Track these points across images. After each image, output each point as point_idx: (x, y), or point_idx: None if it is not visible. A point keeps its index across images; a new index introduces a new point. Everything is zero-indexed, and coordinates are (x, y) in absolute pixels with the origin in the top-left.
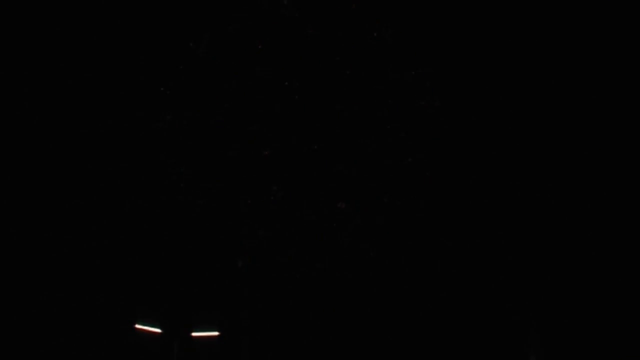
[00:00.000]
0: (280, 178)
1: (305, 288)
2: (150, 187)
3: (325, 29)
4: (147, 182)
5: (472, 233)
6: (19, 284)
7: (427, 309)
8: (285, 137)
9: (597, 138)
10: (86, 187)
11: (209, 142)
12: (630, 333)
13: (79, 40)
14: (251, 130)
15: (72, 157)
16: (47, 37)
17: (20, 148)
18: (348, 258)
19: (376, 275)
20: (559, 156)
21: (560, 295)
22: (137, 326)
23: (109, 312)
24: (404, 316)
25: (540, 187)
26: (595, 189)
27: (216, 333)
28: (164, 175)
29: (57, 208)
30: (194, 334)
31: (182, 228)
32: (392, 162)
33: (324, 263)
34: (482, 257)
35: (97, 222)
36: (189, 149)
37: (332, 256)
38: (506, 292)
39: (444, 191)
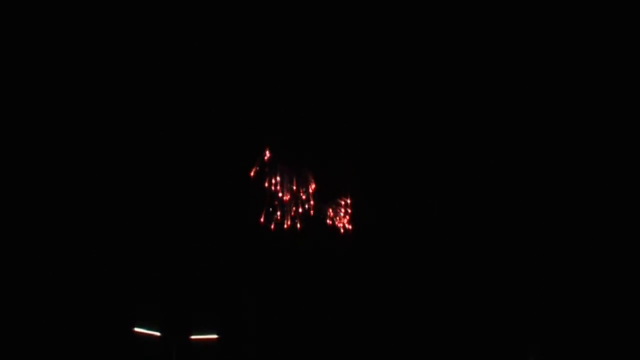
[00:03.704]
0: (279, 178)
1: (304, 290)
2: (150, 192)
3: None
4: (147, 187)
5: (472, 235)
6: (19, 287)
7: (428, 310)
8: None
9: (596, 138)
10: (86, 193)
11: (208, 147)
12: (629, 335)
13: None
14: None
15: (72, 159)
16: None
17: (19, 148)
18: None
19: (377, 277)
20: (558, 158)
21: (559, 299)
22: (137, 329)
23: (108, 315)
24: (404, 318)
25: (540, 189)
26: (594, 190)
27: (215, 336)
28: (164, 181)
29: (56, 214)
30: (193, 337)
31: (181, 233)
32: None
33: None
34: (482, 260)
35: (97, 227)
36: (188, 153)
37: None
38: (506, 296)
39: (444, 193)
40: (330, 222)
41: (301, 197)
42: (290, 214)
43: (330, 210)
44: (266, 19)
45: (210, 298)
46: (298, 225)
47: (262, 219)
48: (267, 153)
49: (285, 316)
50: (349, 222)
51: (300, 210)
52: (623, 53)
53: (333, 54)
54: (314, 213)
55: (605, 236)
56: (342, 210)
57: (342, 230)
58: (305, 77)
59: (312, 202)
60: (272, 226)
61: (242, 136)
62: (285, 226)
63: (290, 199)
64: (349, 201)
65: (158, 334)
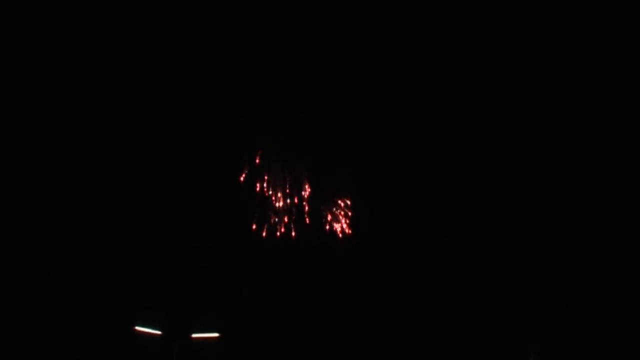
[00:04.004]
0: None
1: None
2: (151, 191)
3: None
4: (148, 186)
5: (473, 234)
6: (21, 287)
7: (429, 310)
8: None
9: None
10: (88, 192)
11: (208, 147)
12: (629, 334)
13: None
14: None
15: (73, 158)
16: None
17: (20, 148)
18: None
19: (377, 277)
20: (558, 157)
21: (560, 297)
22: (137, 328)
23: (109, 314)
24: (405, 317)
25: (541, 189)
26: (594, 189)
27: (216, 334)
28: (164, 180)
29: (58, 213)
30: (194, 335)
31: (182, 232)
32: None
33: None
34: (483, 259)
35: (98, 226)
36: (187, 154)
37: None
38: (507, 295)
39: (446, 193)
40: (328, 227)
41: (295, 202)
42: (284, 220)
43: (329, 214)
44: (259, 17)
45: (211, 297)
46: (293, 233)
47: (254, 226)
48: (260, 154)
49: (286, 315)
50: (348, 226)
51: (293, 216)
52: (623, 53)
53: (331, 51)
54: (309, 217)
55: (606, 236)
56: (341, 212)
57: (340, 235)
58: (299, 73)
59: (306, 208)
60: (264, 233)
61: (237, 135)
62: (278, 234)
63: (284, 205)
64: (348, 202)
65: (159, 332)
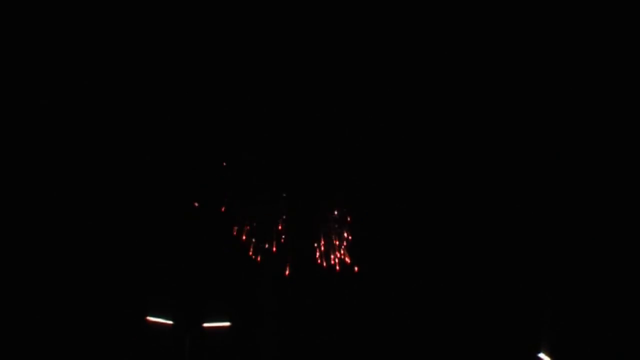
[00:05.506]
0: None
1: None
2: (160, 184)
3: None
4: (157, 179)
5: (484, 228)
6: (37, 279)
7: (443, 301)
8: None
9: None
10: (98, 184)
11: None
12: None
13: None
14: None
15: (90, 151)
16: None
17: (26, 149)
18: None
19: (391, 271)
20: (566, 156)
21: (572, 289)
22: (149, 318)
23: (121, 304)
24: (417, 309)
25: (551, 184)
26: (602, 183)
27: (228, 323)
28: (174, 174)
29: (71, 204)
30: (205, 324)
31: (192, 222)
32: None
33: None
34: (494, 253)
35: (110, 217)
36: (201, 147)
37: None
38: (520, 285)
39: (456, 190)
40: (319, 257)
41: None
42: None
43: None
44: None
45: (222, 286)
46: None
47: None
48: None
49: (297, 303)
50: (345, 254)
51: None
52: (623, 53)
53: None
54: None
55: (611, 232)
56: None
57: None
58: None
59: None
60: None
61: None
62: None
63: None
64: (348, 219)
65: (171, 322)
